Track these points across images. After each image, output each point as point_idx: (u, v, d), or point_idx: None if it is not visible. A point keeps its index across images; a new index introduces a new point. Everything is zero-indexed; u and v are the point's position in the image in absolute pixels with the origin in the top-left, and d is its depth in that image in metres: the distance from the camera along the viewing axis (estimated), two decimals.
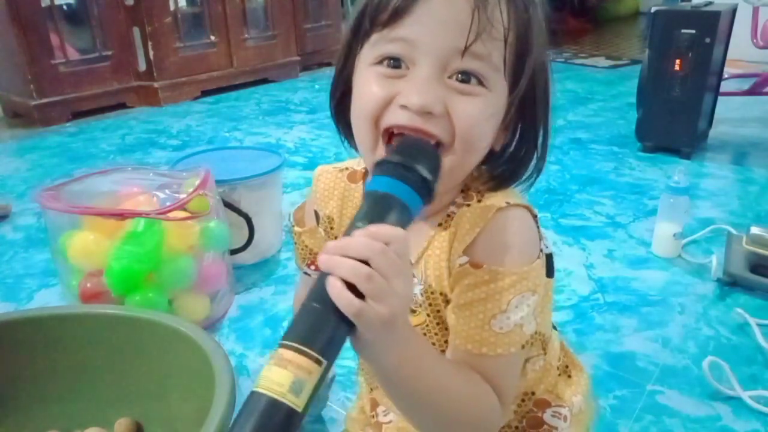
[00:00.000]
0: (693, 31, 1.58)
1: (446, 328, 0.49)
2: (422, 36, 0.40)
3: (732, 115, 2.13)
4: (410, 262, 0.47)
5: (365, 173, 0.54)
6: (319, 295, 0.34)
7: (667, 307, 1.01)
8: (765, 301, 1.02)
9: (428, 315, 0.49)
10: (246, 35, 2.84)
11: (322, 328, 0.34)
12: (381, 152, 0.43)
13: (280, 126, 2.23)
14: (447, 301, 0.48)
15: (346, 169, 0.56)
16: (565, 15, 4.53)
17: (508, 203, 0.46)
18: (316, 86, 2.92)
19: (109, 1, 2.40)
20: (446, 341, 0.49)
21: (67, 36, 2.33)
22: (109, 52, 2.45)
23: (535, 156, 0.47)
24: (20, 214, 1.48)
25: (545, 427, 0.56)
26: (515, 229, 0.46)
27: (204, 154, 1.24)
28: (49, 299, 1.09)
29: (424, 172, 0.39)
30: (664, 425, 0.76)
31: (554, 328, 0.59)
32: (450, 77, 0.41)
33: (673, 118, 1.70)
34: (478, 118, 0.42)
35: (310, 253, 0.61)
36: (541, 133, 0.47)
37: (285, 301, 1.06)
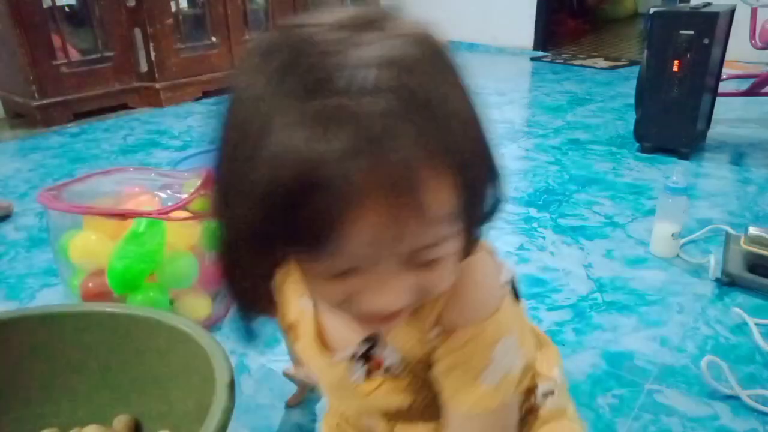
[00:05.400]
0: (691, 32, 1.58)
1: (432, 381, 0.47)
2: (361, 254, 0.32)
3: (730, 115, 2.14)
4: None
5: None
6: None
7: (666, 307, 1.02)
8: (763, 301, 1.02)
9: (412, 377, 0.47)
10: (247, 36, 2.85)
11: None
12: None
13: None
14: (428, 363, 0.46)
15: None
16: (563, 16, 4.54)
17: None
18: None
19: (110, 3, 2.41)
20: (435, 392, 0.47)
21: (68, 37, 2.34)
22: (111, 53, 2.46)
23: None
24: (22, 214, 1.48)
25: (535, 407, 0.57)
26: (476, 278, 0.43)
27: (205, 155, 1.24)
28: (51, 299, 1.10)
29: None
30: (662, 424, 0.76)
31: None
32: (412, 262, 0.35)
33: (672, 119, 1.70)
34: (448, 279, 0.38)
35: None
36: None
37: None
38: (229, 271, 0.37)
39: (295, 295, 0.50)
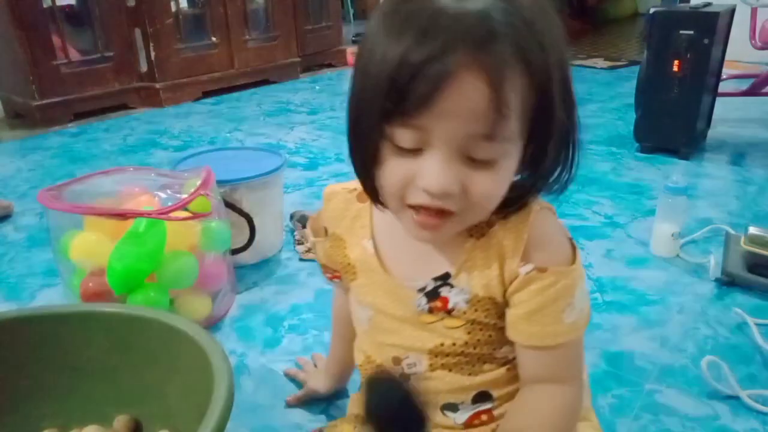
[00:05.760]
0: (691, 32, 1.58)
1: (490, 326, 0.52)
2: (437, 127, 0.40)
3: (730, 115, 2.14)
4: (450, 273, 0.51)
5: None
6: None
7: (666, 307, 1.02)
8: (763, 301, 1.02)
9: (472, 320, 0.52)
10: (247, 36, 2.85)
11: None
12: (407, 218, 0.46)
13: (281, 127, 2.24)
14: (495, 304, 0.51)
15: (356, 189, 0.58)
16: (563, 16, 4.52)
17: (540, 206, 0.50)
18: (317, 87, 2.93)
19: (110, 2, 2.41)
20: (489, 335, 0.53)
21: (68, 37, 2.34)
22: (111, 53, 2.46)
23: (557, 173, 0.47)
24: (22, 214, 1.48)
25: None
26: (555, 228, 0.51)
27: (205, 155, 1.24)
28: (51, 299, 1.10)
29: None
30: (662, 424, 0.76)
31: None
32: (467, 156, 0.42)
33: (672, 119, 1.70)
34: (493, 189, 0.44)
35: (321, 264, 0.64)
36: (560, 154, 0.46)
37: (286, 300, 1.06)
38: (353, 147, 0.47)
39: (359, 237, 0.56)
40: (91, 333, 0.66)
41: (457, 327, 0.52)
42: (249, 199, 1.11)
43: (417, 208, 0.44)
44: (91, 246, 0.90)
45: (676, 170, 1.15)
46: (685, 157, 1.73)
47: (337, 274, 0.62)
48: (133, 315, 0.66)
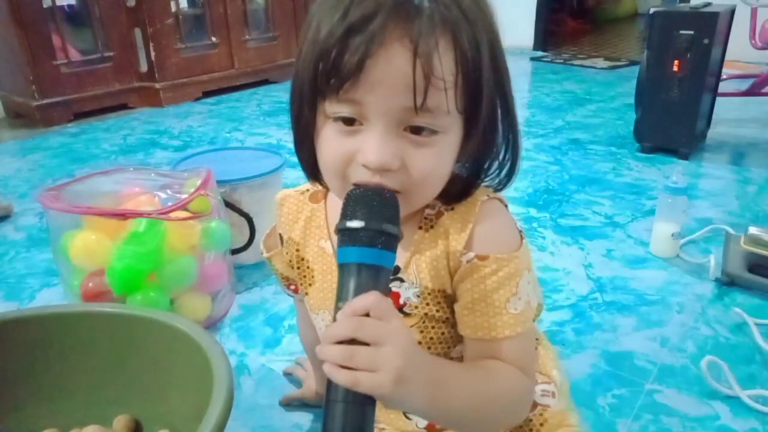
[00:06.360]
0: (691, 32, 1.58)
1: (442, 321, 0.51)
2: (371, 99, 0.40)
3: (730, 115, 2.14)
4: (394, 306, 0.50)
5: (326, 192, 0.56)
6: (329, 385, 0.37)
7: (666, 307, 1.02)
8: (763, 301, 1.02)
9: (425, 314, 0.51)
10: (247, 36, 2.85)
11: (347, 411, 0.37)
12: None
13: (281, 126, 2.24)
14: (446, 296, 0.50)
15: (307, 190, 0.58)
16: (563, 16, 4.54)
17: (488, 196, 0.50)
18: None
19: (110, 2, 2.41)
20: (443, 333, 0.52)
21: (68, 37, 2.34)
22: (111, 53, 2.46)
23: (498, 163, 0.49)
24: (22, 214, 1.48)
25: (539, 407, 0.58)
26: (502, 217, 0.51)
27: (205, 155, 1.24)
28: (51, 299, 1.10)
29: (389, 228, 0.39)
30: (662, 424, 0.76)
31: None
32: (404, 129, 0.42)
33: (672, 119, 1.70)
34: (433, 167, 0.44)
35: (282, 276, 0.63)
36: (502, 141, 0.48)
37: (286, 300, 1.06)
38: (295, 129, 0.49)
39: (316, 238, 0.56)
40: (91, 333, 0.66)
41: (410, 327, 0.52)
42: (249, 199, 1.11)
43: (361, 187, 0.44)
44: (91, 246, 0.90)
45: (676, 170, 1.15)
46: (685, 157, 1.74)
47: (296, 285, 0.61)
48: (133, 315, 0.66)
